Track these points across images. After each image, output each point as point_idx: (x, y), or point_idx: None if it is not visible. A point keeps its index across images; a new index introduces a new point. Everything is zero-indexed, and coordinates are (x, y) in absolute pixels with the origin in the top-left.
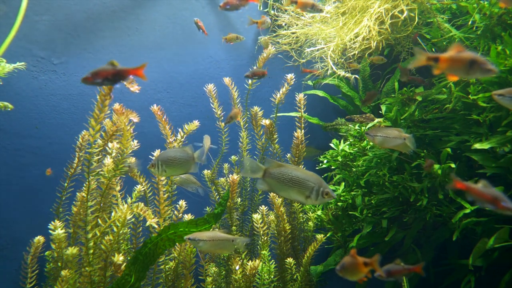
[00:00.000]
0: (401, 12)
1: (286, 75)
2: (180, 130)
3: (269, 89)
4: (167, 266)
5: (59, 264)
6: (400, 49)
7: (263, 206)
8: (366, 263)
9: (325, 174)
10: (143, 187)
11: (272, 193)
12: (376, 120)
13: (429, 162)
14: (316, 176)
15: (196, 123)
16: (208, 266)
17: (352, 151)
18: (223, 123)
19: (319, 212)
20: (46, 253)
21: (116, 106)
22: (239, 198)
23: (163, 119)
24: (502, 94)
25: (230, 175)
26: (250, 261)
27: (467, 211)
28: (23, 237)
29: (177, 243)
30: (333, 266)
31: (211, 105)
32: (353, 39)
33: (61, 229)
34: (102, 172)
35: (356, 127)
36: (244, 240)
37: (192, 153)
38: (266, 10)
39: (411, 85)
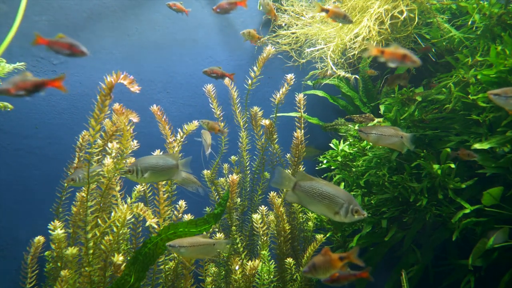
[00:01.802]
0: (401, 12)
1: (286, 75)
2: (179, 130)
3: (269, 89)
4: (166, 266)
5: (59, 264)
6: None
7: (262, 206)
8: (342, 258)
9: (325, 174)
10: (142, 187)
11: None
12: (376, 120)
13: (463, 151)
14: (346, 192)
15: (195, 123)
16: (208, 266)
17: (351, 151)
18: (222, 123)
19: None
20: (46, 253)
21: (116, 106)
22: (239, 198)
23: (163, 119)
24: (497, 94)
25: (230, 175)
26: (249, 261)
27: (467, 211)
28: (23, 237)
29: None
30: None
31: (210, 105)
32: (353, 39)
33: (61, 229)
34: (102, 172)
35: (356, 127)
36: (225, 243)
37: (177, 161)
38: None
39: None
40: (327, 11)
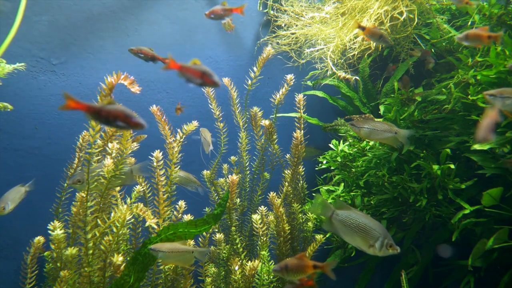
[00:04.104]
0: (401, 13)
1: (286, 75)
2: (179, 130)
3: (269, 90)
4: (166, 267)
5: (59, 264)
6: (400, 50)
7: (262, 206)
8: (316, 266)
9: (325, 175)
10: (142, 187)
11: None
12: (376, 120)
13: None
14: (381, 225)
15: (195, 123)
16: (208, 267)
17: (351, 152)
18: (221, 124)
19: None
20: (45, 253)
21: None
22: (238, 199)
23: (163, 120)
24: (493, 95)
25: (230, 176)
26: (249, 262)
27: (467, 211)
28: (22, 237)
29: None
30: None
31: (210, 105)
32: (353, 40)
33: (60, 230)
34: (102, 173)
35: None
36: (204, 251)
37: (130, 167)
38: (265, 10)
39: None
40: (363, 28)
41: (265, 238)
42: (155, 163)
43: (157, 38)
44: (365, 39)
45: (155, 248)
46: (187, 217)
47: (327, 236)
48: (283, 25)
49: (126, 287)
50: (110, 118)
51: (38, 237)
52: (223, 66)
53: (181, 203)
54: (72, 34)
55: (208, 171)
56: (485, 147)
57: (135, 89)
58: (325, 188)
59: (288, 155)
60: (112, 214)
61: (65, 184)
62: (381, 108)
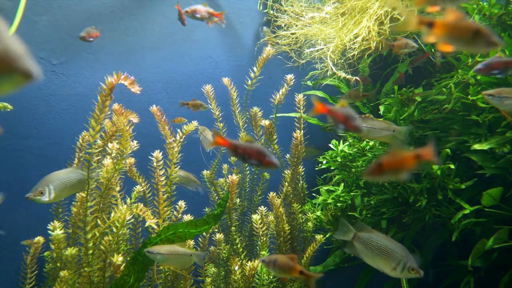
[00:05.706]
0: (401, 14)
1: (286, 75)
2: (179, 130)
3: (269, 90)
4: (166, 267)
5: (58, 264)
6: None
7: (262, 206)
8: (302, 273)
9: (325, 175)
10: (142, 187)
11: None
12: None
13: None
14: (404, 248)
15: (195, 123)
16: (208, 267)
17: (351, 152)
18: (221, 124)
19: (318, 213)
20: (45, 253)
21: (116, 106)
22: (238, 199)
23: (162, 120)
24: (491, 95)
25: (229, 176)
26: (249, 262)
27: (466, 211)
28: (22, 238)
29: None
30: (332, 266)
31: (209, 105)
32: (353, 40)
33: (60, 230)
34: (101, 173)
35: None
36: (202, 254)
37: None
38: (265, 10)
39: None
40: (393, 46)
41: (265, 238)
42: (155, 163)
43: (156, 38)
44: (365, 39)
45: (152, 251)
46: (187, 217)
47: (327, 236)
48: (283, 25)
49: (126, 287)
50: (246, 156)
51: (38, 237)
52: (223, 66)
53: (181, 203)
54: (72, 34)
55: (208, 171)
56: (485, 147)
57: (135, 89)
58: (325, 188)
59: (288, 155)
60: (112, 214)
61: (26, 197)
62: (381, 108)
